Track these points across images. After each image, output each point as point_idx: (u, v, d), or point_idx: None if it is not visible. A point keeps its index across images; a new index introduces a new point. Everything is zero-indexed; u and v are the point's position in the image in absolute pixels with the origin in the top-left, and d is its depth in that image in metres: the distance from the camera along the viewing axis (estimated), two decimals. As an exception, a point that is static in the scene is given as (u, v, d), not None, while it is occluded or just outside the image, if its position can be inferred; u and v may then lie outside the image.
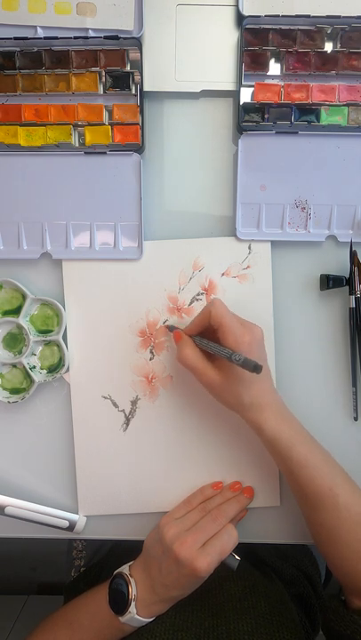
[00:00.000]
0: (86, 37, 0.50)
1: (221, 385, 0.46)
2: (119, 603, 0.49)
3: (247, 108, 0.51)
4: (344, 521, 0.45)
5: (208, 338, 0.48)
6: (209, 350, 0.46)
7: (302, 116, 0.51)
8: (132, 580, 0.49)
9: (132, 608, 0.48)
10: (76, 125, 0.52)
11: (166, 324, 0.54)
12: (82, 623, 0.51)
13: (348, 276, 0.53)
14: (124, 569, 0.51)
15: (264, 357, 0.48)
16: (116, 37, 0.50)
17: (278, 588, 0.59)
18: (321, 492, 0.46)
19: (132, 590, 0.48)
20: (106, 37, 0.50)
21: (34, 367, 0.54)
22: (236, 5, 0.50)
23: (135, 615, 0.48)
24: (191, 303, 0.54)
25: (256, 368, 0.41)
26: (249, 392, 0.46)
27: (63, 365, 0.54)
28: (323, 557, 0.50)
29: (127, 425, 0.55)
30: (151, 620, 0.49)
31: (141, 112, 0.51)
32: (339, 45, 0.50)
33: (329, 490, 0.45)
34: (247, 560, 0.63)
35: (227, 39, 0.52)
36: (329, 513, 0.46)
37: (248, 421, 0.48)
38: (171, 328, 0.53)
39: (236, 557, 0.49)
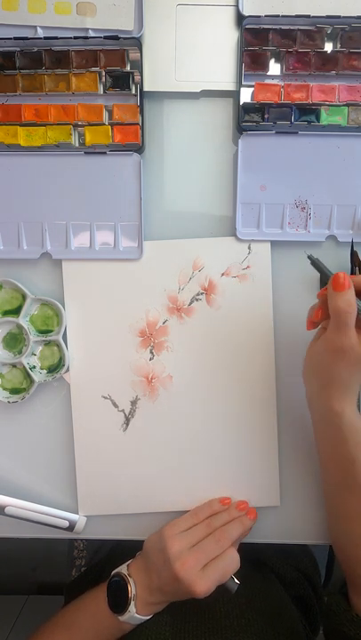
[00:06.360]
0: (86, 37, 0.50)
1: None
2: (118, 602, 0.49)
3: (247, 108, 0.51)
4: None
5: None
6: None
7: (302, 116, 0.51)
8: (130, 580, 0.49)
9: (132, 607, 0.48)
10: (76, 125, 0.52)
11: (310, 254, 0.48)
12: (81, 624, 0.51)
13: (348, 276, 0.53)
14: (123, 568, 0.51)
15: None
16: (116, 37, 0.50)
17: (278, 594, 0.59)
18: None
19: (132, 589, 0.48)
20: (106, 37, 0.50)
21: (34, 367, 0.54)
22: (236, 5, 0.50)
23: (135, 614, 0.48)
24: (191, 303, 0.54)
25: None
26: None
27: (63, 365, 0.54)
28: (338, 552, 0.50)
29: (127, 425, 0.55)
30: (150, 617, 0.50)
31: (141, 112, 0.51)
32: (339, 45, 0.50)
33: None
34: (247, 562, 0.63)
35: (227, 39, 0.52)
36: None
37: None
38: (315, 261, 0.47)
39: (236, 581, 0.49)
